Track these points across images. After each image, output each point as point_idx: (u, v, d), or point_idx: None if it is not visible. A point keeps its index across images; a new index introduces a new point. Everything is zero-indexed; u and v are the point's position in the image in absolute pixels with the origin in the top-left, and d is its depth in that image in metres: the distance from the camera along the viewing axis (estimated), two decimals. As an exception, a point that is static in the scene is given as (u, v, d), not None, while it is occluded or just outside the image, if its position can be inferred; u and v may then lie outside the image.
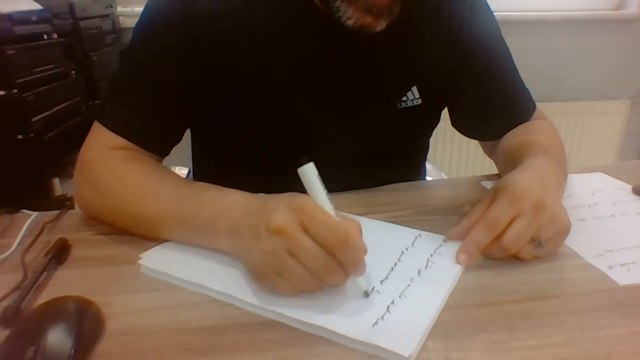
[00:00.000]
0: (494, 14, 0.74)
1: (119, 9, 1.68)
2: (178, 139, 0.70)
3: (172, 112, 0.66)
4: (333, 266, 0.42)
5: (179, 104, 0.66)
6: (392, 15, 0.57)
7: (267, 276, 0.44)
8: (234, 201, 0.51)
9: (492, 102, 0.75)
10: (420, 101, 0.72)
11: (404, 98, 0.71)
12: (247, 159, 0.74)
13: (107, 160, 0.62)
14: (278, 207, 0.44)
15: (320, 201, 0.44)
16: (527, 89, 0.77)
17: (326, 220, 0.42)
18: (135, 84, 0.64)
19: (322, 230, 0.42)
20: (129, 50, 0.66)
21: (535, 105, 0.78)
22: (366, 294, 0.45)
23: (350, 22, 0.56)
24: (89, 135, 0.65)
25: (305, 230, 0.42)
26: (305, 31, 0.65)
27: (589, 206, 0.65)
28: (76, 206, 0.67)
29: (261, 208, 0.46)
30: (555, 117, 1.94)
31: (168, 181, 0.59)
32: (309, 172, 0.44)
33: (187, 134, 0.83)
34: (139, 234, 0.57)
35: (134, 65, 0.65)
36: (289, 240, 0.42)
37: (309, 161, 0.44)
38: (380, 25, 0.57)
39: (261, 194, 0.50)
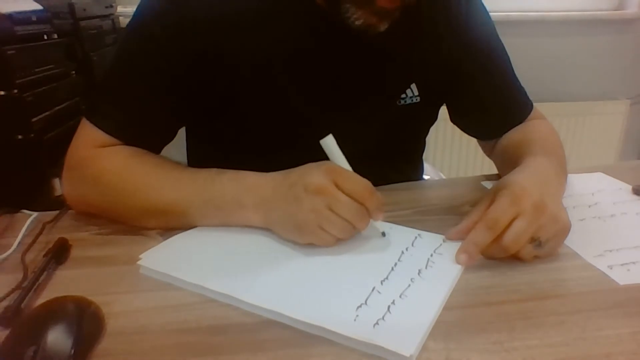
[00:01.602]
0: (494, 14, 0.74)
1: (119, 9, 1.68)
2: (170, 138, 0.70)
3: (165, 112, 0.66)
4: (364, 213, 0.52)
5: (172, 105, 0.66)
6: (393, 17, 0.58)
7: (311, 231, 0.52)
8: (255, 180, 0.57)
9: (488, 101, 0.75)
10: (419, 99, 0.72)
11: (403, 95, 0.71)
12: (243, 159, 0.74)
13: (109, 156, 0.62)
14: (310, 173, 0.52)
15: (342, 164, 0.54)
16: (523, 88, 0.77)
17: (354, 177, 0.52)
18: (127, 84, 0.64)
19: (353, 186, 0.51)
20: (122, 50, 0.66)
21: (532, 105, 0.78)
22: (384, 234, 0.55)
23: (357, 23, 0.58)
24: (78, 133, 0.65)
25: (339, 187, 0.50)
26: (305, 30, 0.65)
27: (589, 206, 0.65)
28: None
29: (285, 180, 0.54)
30: (556, 117, 1.94)
31: (180, 168, 0.61)
32: (331, 142, 0.54)
33: (184, 135, 0.82)
34: (150, 225, 0.59)
35: (127, 66, 0.65)
36: (329, 198, 0.50)
37: (328, 134, 0.54)
38: (383, 26, 0.59)
39: (273, 173, 0.56)
